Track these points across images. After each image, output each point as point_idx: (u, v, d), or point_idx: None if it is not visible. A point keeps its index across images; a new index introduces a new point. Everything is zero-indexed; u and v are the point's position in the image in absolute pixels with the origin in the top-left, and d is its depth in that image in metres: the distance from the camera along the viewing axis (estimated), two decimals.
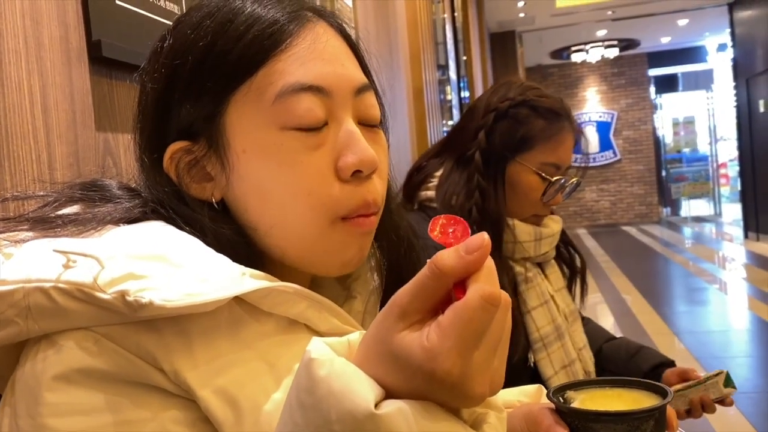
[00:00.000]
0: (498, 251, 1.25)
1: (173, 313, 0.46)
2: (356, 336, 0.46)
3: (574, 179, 1.33)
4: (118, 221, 0.55)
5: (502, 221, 1.26)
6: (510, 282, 1.27)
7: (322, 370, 0.40)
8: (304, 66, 0.58)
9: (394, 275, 0.69)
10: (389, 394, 0.41)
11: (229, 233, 0.58)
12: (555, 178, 1.28)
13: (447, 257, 0.41)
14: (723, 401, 1.29)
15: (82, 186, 0.61)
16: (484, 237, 0.42)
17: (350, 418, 0.39)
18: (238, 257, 0.56)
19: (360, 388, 0.40)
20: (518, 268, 1.31)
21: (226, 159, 0.58)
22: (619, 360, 1.46)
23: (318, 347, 0.42)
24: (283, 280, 0.61)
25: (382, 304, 0.68)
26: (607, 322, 5.26)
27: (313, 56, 0.58)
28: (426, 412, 0.40)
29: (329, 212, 0.59)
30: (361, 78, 0.61)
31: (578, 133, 1.35)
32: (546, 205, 1.31)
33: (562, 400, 0.58)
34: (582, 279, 1.46)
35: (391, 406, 0.40)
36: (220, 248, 0.56)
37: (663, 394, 0.57)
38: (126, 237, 0.52)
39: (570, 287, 1.45)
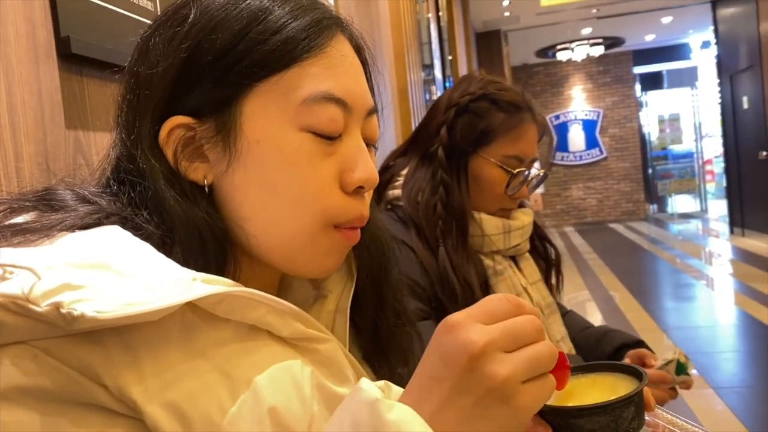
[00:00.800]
0: (464, 245, 1.26)
1: (110, 324, 0.44)
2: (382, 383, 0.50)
3: (540, 172, 1.34)
4: (70, 228, 0.53)
5: (466, 215, 1.27)
6: (479, 275, 1.27)
7: (391, 413, 0.42)
8: (334, 77, 0.59)
9: (365, 274, 0.69)
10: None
11: (209, 219, 0.57)
12: (517, 170, 1.29)
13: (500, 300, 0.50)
14: (685, 384, 1.30)
15: (34, 194, 0.58)
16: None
17: None
18: (204, 248, 0.55)
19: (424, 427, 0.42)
20: (487, 261, 1.31)
21: (233, 146, 0.57)
22: (588, 347, 1.46)
23: (371, 386, 0.45)
24: (250, 278, 0.60)
25: (353, 303, 0.67)
26: (595, 319, 5.28)
27: (342, 69, 0.60)
28: None
29: (326, 219, 0.59)
30: (372, 101, 0.64)
31: (542, 126, 1.35)
32: (512, 199, 1.32)
33: None
34: (557, 271, 1.47)
35: None
36: (187, 236, 0.55)
37: (638, 376, 0.57)
38: (73, 244, 0.50)
39: (547, 280, 1.44)
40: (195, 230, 0.56)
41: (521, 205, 1.40)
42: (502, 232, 1.31)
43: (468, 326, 0.47)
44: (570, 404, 0.55)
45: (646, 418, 0.58)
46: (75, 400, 0.45)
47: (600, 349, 1.44)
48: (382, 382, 0.49)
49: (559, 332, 1.38)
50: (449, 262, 1.23)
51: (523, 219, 1.36)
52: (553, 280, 1.47)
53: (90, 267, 0.47)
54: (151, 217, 0.56)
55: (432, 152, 1.30)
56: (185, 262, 0.54)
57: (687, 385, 1.30)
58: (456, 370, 0.46)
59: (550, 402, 0.55)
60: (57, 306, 0.43)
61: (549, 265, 1.46)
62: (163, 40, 0.58)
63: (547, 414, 0.55)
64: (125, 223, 0.55)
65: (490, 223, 1.30)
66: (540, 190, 7.02)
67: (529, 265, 1.41)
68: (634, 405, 0.54)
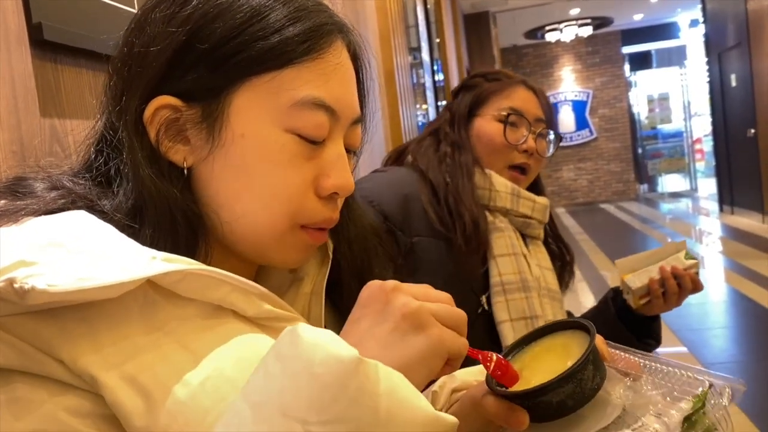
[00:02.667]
0: (470, 183, 1.32)
1: (64, 299, 0.43)
2: None
3: (541, 127, 1.40)
4: (34, 213, 0.52)
5: (470, 162, 1.34)
6: (481, 226, 1.30)
7: (305, 331, 0.43)
8: (327, 84, 0.60)
9: (349, 269, 0.70)
10: None
11: (183, 200, 0.57)
12: (508, 114, 1.36)
13: None
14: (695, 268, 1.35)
15: (5, 182, 0.58)
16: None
17: (335, 360, 0.41)
18: (174, 228, 0.55)
19: (342, 342, 0.43)
20: (490, 217, 1.34)
21: (218, 135, 0.58)
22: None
23: (304, 325, 0.45)
24: (222, 264, 0.60)
25: (328, 284, 0.68)
26: (587, 299, 5.31)
27: (336, 76, 0.61)
28: (402, 378, 0.44)
29: (295, 219, 0.61)
30: (359, 110, 0.65)
31: (539, 94, 1.43)
32: (520, 152, 1.37)
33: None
34: (570, 271, 1.50)
35: (373, 360, 0.43)
36: (158, 215, 0.55)
37: (584, 329, 0.58)
38: (34, 226, 0.50)
39: (561, 280, 1.46)
40: (167, 210, 0.56)
41: (539, 192, 1.45)
42: (510, 193, 1.35)
43: (383, 281, 0.55)
44: (532, 377, 0.56)
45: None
46: (27, 373, 0.45)
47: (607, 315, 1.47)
48: None
49: (553, 315, 1.38)
50: (455, 195, 1.30)
51: (537, 198, 1.40)
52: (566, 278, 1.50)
53: (47, 245, 0.46)
54: (122, 194, 0.56)
55: (438, 128, 1.43)
56: (154, 244, 0.54)
57: (696, 269, 1.35)
58: (373, 306, 0.53)
59: (516, 386, 0.56)
60: (11, 282, 0.42)
61: (564, 264, 1.49)
62: (163, 17, 0.58)
63: (516, 399, 0.56)
64: (92, 208, 0.55)
65: (498, 179, 1.36)
66: None
67: (541, 251, 1.42)
68: (591, 363, 0.55)
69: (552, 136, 1.43)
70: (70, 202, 0.55)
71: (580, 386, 0.54)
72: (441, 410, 0.69)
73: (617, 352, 0.61)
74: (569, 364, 0.54)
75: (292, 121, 0.58)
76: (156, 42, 0.57)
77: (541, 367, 0.57)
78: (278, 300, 0.54)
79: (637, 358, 0.60)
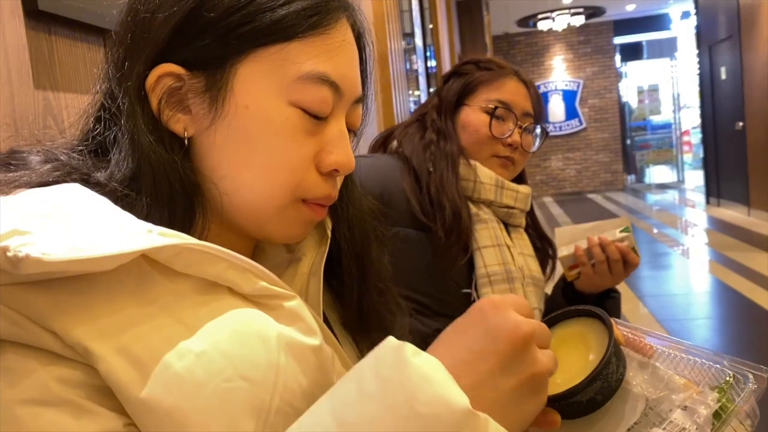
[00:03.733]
0: (454, 175, 1.31)
1: (58, 268, 0.42)
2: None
3: (528, 122, 1.39)
4: (27, 185, 0.52)
5: (455, 151, 1.34)
6: (464, 218, 1.30)
7: (415, 357, 0.40)
8: (333, 59, 0.59)
9: (349, 251, 0.70)
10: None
11: (181, 169, 0.56)
12: (495, 107, 1.35)
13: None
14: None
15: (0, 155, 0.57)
16: None
17: (444, 406, 0.38)
18: (172, 198, 0.55)
19: (454, 386, 0.40)
20: (474, 209, 1.34)
21: (221, 105, 0.57)
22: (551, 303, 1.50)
23: (411, 347, 0.43)
24: (218, 239, 0.59)
25: (326, 264, 0.67)
26: None
27: (341, 53, 0.60)
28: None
29: (296, 193, 0.60)
30: (361, 89, 0.65)
31: (530, 87, 1.42)
32: (504, 145, 1.37)
33: None
34: (552, 263, 1.51)
35: (484, 414, 0.40)
36: (156, 184, 0.54)
37: (598, 317, 0.58)
38: (27, 197, 0.49)
39: (543, 272, 1.47)
40: (165, 179, 0.55)
41: (522, 180, 1.46)
42: (494, 185, 1.35)
43: (511, 310, 0.49)
44: (556, 373, 0.55)
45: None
46: (18, 344, 0.44)
47: (555, 294, 1.48)
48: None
49: (538, 303, 1.40)
50: (437, 184, 1.29)
51: (520, 188, 1.40)
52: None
53: (40, 215, 0.46)
54: (120, 163, 0.55)
55: (425, 113, 1.42)
56: (150, 213, 0.54)
57: (630, 243, 1.35)
58: (506, 347, 0.47)
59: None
60: (4, 250, 0.42)
61: (546, 257, 1.49)
62: None
63: (547, 402, 0.55)
64: (87, 180, 0.54)
65: (483, 171, 1.35)
66: None
67: (523, 239, 1.43)
68: (614, 356, 0.55)
69: (539, 131, 1.43)
70: (65, 174, 0.54)
71: (607, 381, 0.54)
72: None
73: (626, 331, 0.61)
74: (591, 356, 0.54)
75: (297, 94, 0.58)
76: (162, 9, 0.57)
77: (563, 360, 0.56)
78: (275, 278, 0.54)
79: (648, 340, 0.59)
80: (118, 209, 0.50)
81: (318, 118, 0.60)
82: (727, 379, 0.54)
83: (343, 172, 0.63)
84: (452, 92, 1.40)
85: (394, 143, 1.42)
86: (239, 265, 0.51)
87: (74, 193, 0.50)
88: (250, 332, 0.49)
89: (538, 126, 1.42)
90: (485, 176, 1.34)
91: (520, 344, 0.47)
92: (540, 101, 1.44)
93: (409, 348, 0.41)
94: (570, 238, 1.39)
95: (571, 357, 0.56)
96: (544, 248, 1.49)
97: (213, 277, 0.50)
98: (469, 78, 1.40)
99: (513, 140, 1.36)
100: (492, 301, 0.49)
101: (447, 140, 1.35)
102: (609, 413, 0.55)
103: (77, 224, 0.46)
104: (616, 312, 1.43)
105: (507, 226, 1.40)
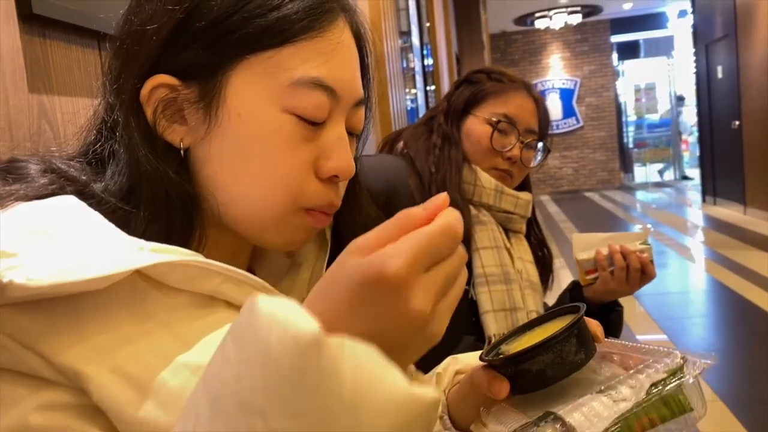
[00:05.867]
0: (458, 176, 1.34)
1: (45, 292, 0.41)
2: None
3: (531, 138, 1.40)
4: (24, 198, 0.51)
5: (459, 157, 1.36)
6: (464, 219, 1.29)
7: (265, 304, 0.36)
8: (328, 63, 0.58)
9: (338, 246, 0.69)
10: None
11: (178, 181, 0.56)
12: (498, 121, 1.37)
13: (414, 209, 0.43)
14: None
15: None
16: (443, 195, 0.44)
17: (291, 340, 0.34)
18: (170, 210, 0.55)
19: (302, 316, 0.35)
20: (474, 211, 1.36)
21: (215, 114, 0.57)
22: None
23: (263, 296, 0.39)
24: (217, 247, 0.59)
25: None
26: None
27: (336, 56, 0.59)
28: (371, 353, 0.36)
29: (296, 202, 0.59)
30: (361, 92, 0.63)
31: (539, 103, 1.43)
32: (504, 159, 1.38)
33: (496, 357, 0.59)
34: (550, 271, 1.52)
35: (336, 338, 0.35)
36: (153, 196, 0.54)
37: (576, 311, 0.59)
38: (20, 213, 0.48)
39: (541, 279, 1.47)
40: (162, 191, 0.55)
41: (524, 187, 1.47)
42: (494, 189, 1.37)
43: (414, 289, 0.41)
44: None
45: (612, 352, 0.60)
46: (7, 369, 0.43)
47: (563, 300, 1.48)
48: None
49: (535, 306, 1.39)
50: (439, 185, 1.31)
51: (520, 194, 1.41)
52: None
53: (29, 234, 0.45)
54: (117, 175, 0.55)
55: (433, 117, 1.44)
56: (147, 225, 0.53)
57: (649, 255, 1.36)
58: (372, 295, 0.41)
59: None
60: None
61: (545, 265, 1.50)
62: None
63: (500, 367, 0.57)
64: (84, 192, 0.54)
65: (483, 176, 1.37)
66: None
67: (522, 244, 1.44)
68: (575, 337, 0.56)
69: (540, 147, 1.44)
70: (60, 186, 0.53)
71: (560, 357, 0.55)
72: (445, 391, 0.69)
73: (615, 342, 0.62)
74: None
75: (290, 101, 0.57)
76: (154, 20, 0.57)
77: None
78: (272, 289, 0.53)
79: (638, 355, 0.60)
80: (109, 225, 0.50)
81: (314, 123, 0.59)
82: (677, 361, 0.56)
83: (343, 178, 0.62)
84: (461, 100, 1.42)
85: (401, 144, 1.44)
86: (235, 278, 0.50)
87: (67, 208, 0.50)
88: None
89: (541, 143, 1.43)
90: (486, 181, 1.37)
91: (393, 288, 0.40)
92: (547, 119, 1.46)
93: (261, 297, 0.37)
94: (588, 245, 1.41)
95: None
96: (544, 256, 1.50)
97: (208, 291, 0.50)
98: (479, 88, 1.42)
99: (512, 155, 1.38)
100: (394, 284, 0.40)
101: (452, 146, 1.37)
102: (563, 394, 0.56)
103: (68, 242, 0.45)
104: (618, 324, 1.45)
105: (507, 231, 1.41)
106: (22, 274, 0.41)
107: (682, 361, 0.56)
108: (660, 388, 0.54)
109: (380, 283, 0.40)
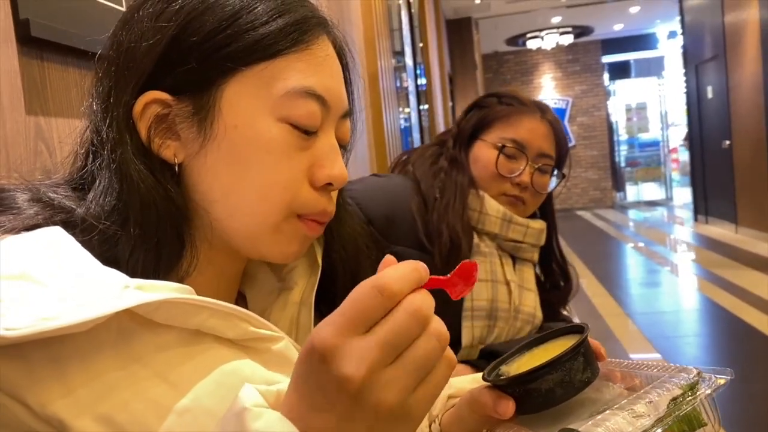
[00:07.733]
0: (461, 204, 1.31)
1: (26, 340, 0.40)
2: (285, 386, 0.44)
3: (543, 162, 1.36)
4: (11, 231, 0.50)
5: (465, 182, 1.34)
6: (467, 240, 1.29)
7: (257, 422, 0.38)
8: (318, 74, 0.60)
9: (344, 271, 0.70)
10: None
11: (171, 197, 0.56)
12: (503, 145, 1.34)
13: (395, 281, 0.42)
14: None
15: None
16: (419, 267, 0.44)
17: None
18: (161, 228, 0.55)
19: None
20: (476, 240, 1.32)
21: (210, 128, 0.57)
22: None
23: (250, 395, 0.41)
24: (209, 265, 0.59)
25: (324, 298, 0.67)
26: None
27: (325, 67, 0.61)
28: None
29: (291, 209, 0.60)
30: (347, 103, 0.65)
31: (555, 127, 1.38)
32: (513, 184, 1.34)
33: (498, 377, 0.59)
34: (567, 292, 1.49)
35: None
36: (144, 214, 0.54)
37: (581, 330, 0.59)
38: (6, 251, 0.47)
39: (544, 302, 1.43)
40: (153, 209, 0.55)
41: (535, 216, 1.43)
42: (501, 218, 1.33)
43: (341, 354, 0.40)
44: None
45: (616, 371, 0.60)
46: None
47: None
48: (274, 389, 0.44)
49: (517, 335, 1.37)
50: (440, 212, 1.29)
51: (531, 222, 1.36)
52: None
53: (8, 278, 0.44)
54: (106, 196, 0.55)
55: (444, 140, 1.43)
56: (135, 246, 0.53)
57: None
58: (339, 405, 0.41)
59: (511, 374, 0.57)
60: None
61: (560, 289, 1.47)
62: (152, 14, 0.58)
63: (506, 387, 0.57)
64: (70, 221, 0.53)
65: (490, 203, 1.33)
66: None
67: (529, 272, 1.40)
68: (582, 356, 0.56)
69: (556, 173, 1.40)
70: (47, 217, 0.53)
71: (569, 375, 0.55)
72: (437, 417, 0.69)
73: (615, 361, 0.63)
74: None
75: (285, 110, 0.58)
76: (145, 37, 0.57)
77: (540, 361, 0.57)
78: (260, 320, 0.53)
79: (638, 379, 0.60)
80: (94, 261, 0.49)
81: (308, 132, 0.60)
82: (692, 377, 0.56)
83: (337, 186, 0.63)
84: (470, 124, 1.40)
85: (410, 166, 1.42)
86: (222, 312, 0.50)
87: (51, 244, 0.49)
88: (236, 384, 0.46)
89: (557, 168, 1.39)
90: (492, 209, 1.32)
91: (351, 399, 0.40)
92: (564, 143, 1.40)
93: (252, 413, 0.39)
94: None
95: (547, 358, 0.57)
96: (564, 286, 1.47)
97: (196, 326, 0.49)
98: (488, 112, 1.39)
99: (521, 180, 1.34)
100: (314, 349, 0.40)
101: (459, 171, 1.35)
102: (570, 414, 0.56)
103: (49, 287, 0.44)
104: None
105: (515, 259, 1.38)
106: (1, 324, 0.40)
107: (697, 377, 0.56)
108: (679, 402, 0.54)
109: (312, 353, 0.41)
